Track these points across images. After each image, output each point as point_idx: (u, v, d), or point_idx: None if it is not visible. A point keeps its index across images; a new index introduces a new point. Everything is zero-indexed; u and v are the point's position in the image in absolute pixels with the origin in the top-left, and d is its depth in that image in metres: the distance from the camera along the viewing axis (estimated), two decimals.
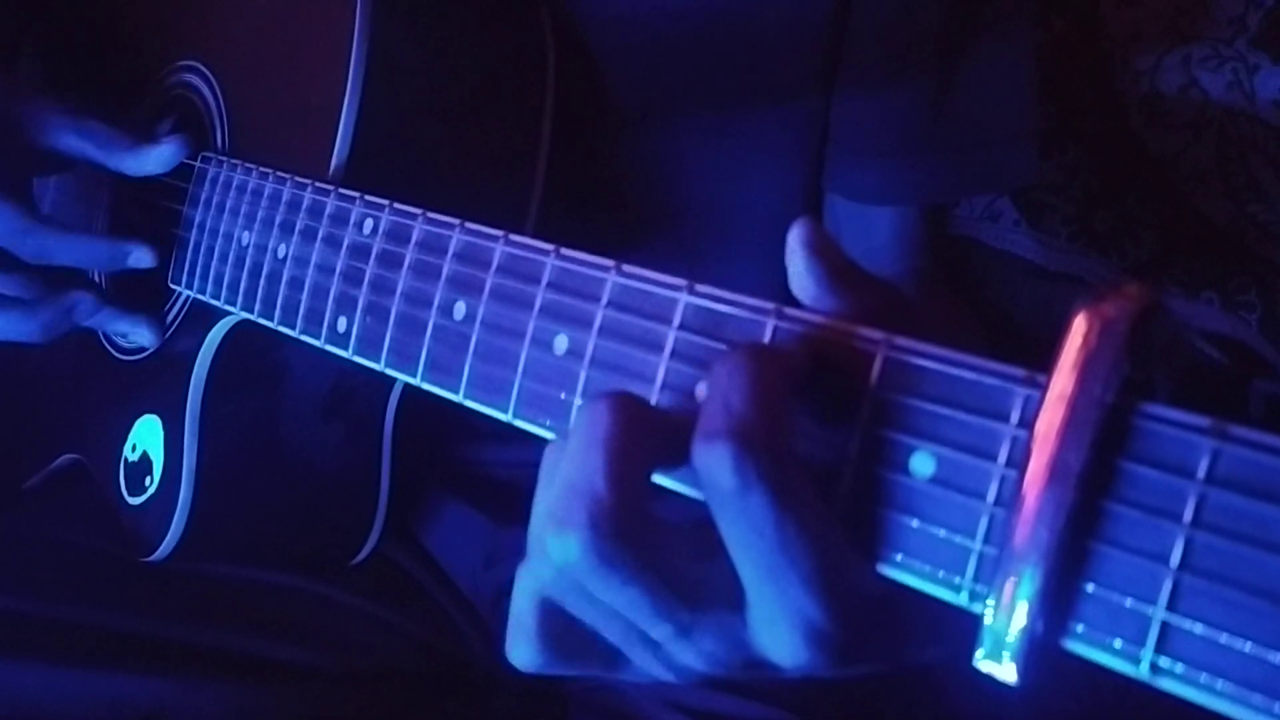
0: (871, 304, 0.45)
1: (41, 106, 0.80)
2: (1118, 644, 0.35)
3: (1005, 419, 0.38)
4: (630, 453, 0.41)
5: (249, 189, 0.74)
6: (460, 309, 0.56)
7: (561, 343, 0.51)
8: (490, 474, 0.96)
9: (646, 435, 0.42)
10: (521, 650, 0.47)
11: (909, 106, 0.84)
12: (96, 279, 0.91)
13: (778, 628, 0.42)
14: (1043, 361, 0.37)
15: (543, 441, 0.52)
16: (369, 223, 0.63)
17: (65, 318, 0.81)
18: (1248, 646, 0.33)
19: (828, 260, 0.45)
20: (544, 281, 0.52)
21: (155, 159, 0.80)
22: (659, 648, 0.46)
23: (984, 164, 0.86)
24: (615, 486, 0.41)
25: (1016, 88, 0.86)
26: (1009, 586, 0.36)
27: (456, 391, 0.56)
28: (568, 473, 0.42)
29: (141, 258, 0.81)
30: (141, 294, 0.84)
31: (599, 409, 0.42)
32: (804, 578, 0.40)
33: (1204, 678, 0.34)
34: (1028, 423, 0.37)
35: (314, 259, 0.67)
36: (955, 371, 0.40)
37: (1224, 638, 0.33)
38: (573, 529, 0.41)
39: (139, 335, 0.84)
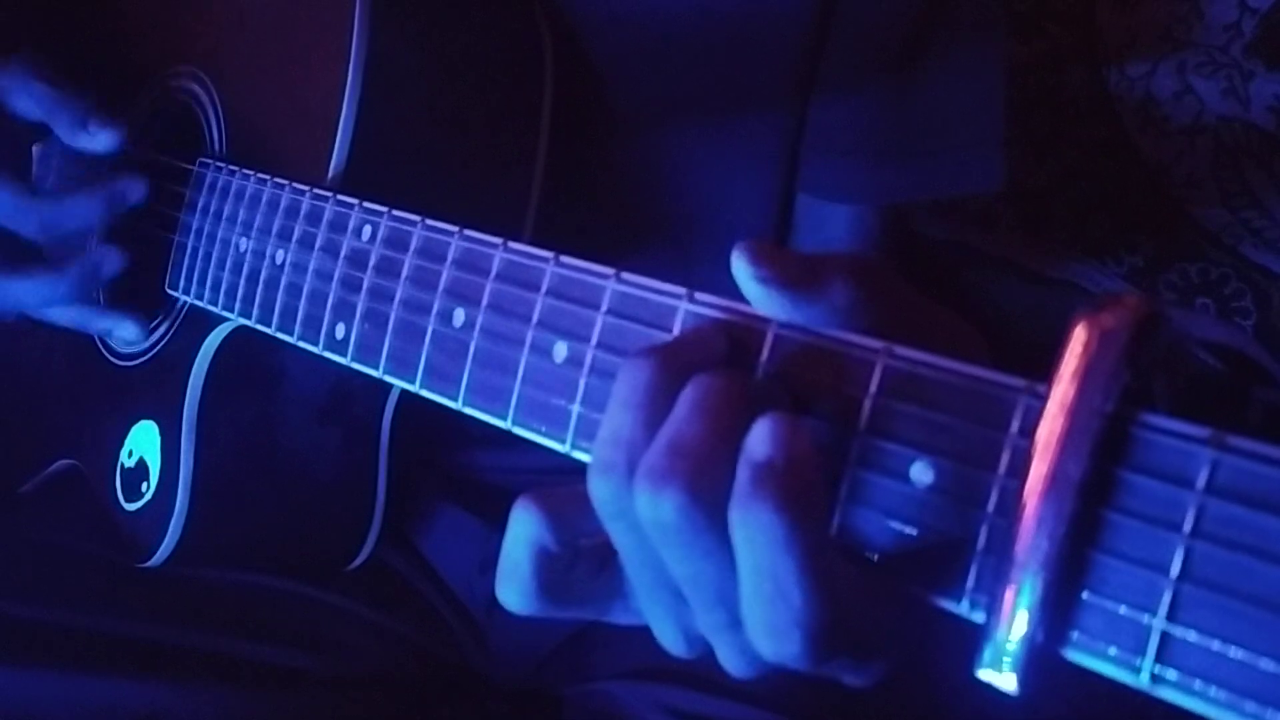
0: (848, 287, 0.45)
1: (6, 72, 0.80)
2: (1118, 653, 0.36)
3: (1005, 428, 0.38)
4: (735, 425, 0.41)
5: (247, 194, 0.74)
6: (459, 316, 0.56)
7: (561, 350, 0.51)
8: (486, 479, 0.96)
9: (748, 408, 0.42)
10: (513, 595, 0.47)
11: (877, 109, 0.85)
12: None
13: (769, 621, 0.42)
14: (1040, 367, 0.38)
15: (538, 447, 0.52)
16: (367, 229, 0.63)
17: (95, 272, 0.80)
18: (1248, 657, 0.33)
19: (784, 278, 0.45)
20: (543, 289, 0.52)
21: (97, 140, 0.80)
22: (685, 615, 0.46)
23: (946, 168, 0.87)
24: (722, 456, 0.41)
25: (984, 96, 0.87)
26: (1009, 595, 0.37)
27: (455, 399, 0.56)
28: (672, 432, 0.42)
29: (135, 189, 0.80)
30: (139, 299, 0.84)
31: (710, 378, 0.42)
32: (798, 576, 0.40)
33: (1204, 687, 0.34)
34: (1027, 432, 0.37)
35: (312, 265, 0.66)
36: (954, 380, 0.40)
37: (1224, 648, 0.33)
38: (674, 487, 0.41)
39: (124, 330, 0.83)
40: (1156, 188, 1.04)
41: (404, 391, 0.60)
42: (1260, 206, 1.01)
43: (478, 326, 0.55)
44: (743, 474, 0.40)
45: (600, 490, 0.44)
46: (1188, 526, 0.34)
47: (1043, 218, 1.05)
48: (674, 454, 0.41)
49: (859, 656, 0.43)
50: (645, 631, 0.49)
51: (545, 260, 0.52)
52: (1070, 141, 1.05)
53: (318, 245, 0.66)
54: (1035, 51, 1.04)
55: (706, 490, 0.41)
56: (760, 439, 0.40)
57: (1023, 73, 1.04)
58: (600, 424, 0.44)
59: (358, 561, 0.90)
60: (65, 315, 0.84)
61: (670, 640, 0.48)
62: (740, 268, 0.45)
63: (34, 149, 0.87)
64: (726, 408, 0.42)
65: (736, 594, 0.42)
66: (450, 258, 0.57)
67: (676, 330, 0.47)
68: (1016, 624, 0.36)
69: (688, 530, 0.41)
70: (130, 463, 0.84)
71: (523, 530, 0.46)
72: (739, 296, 0.46)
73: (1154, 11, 1.02)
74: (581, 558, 0.48)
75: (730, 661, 0.46)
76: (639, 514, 0.42)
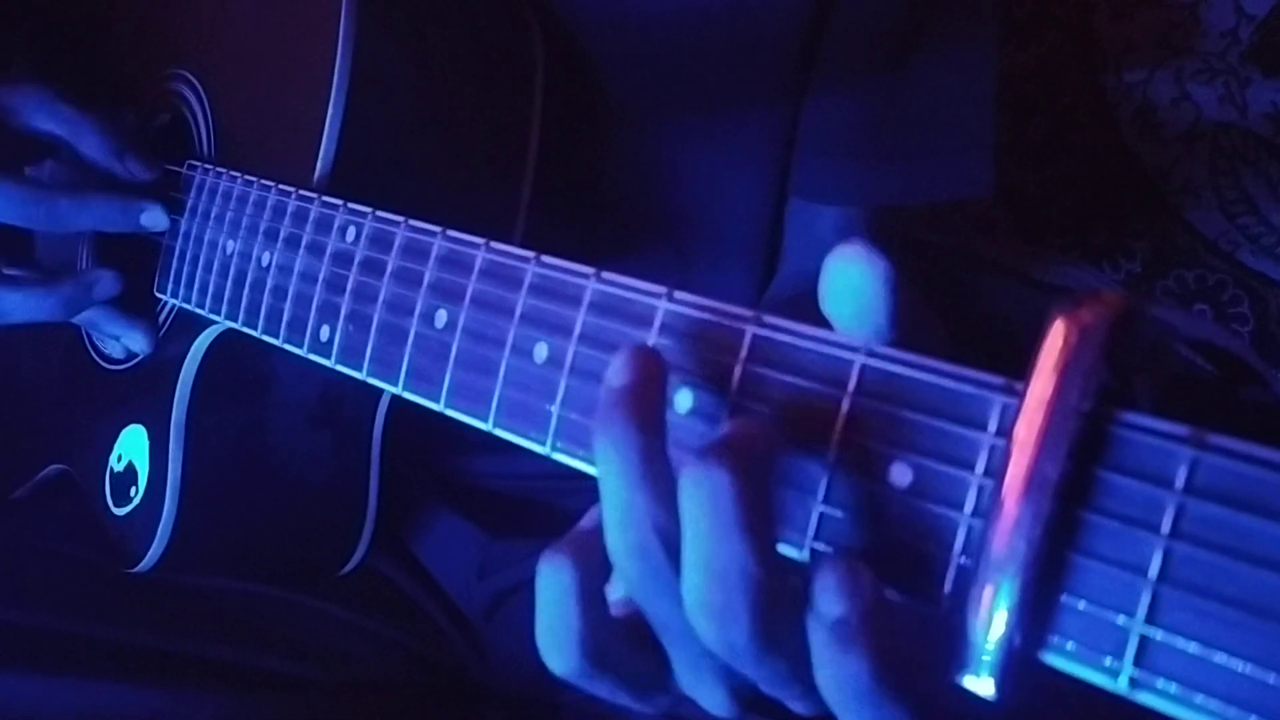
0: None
1: (20, 90, 0.80)
2: (1096, 657, 0.35)
3: (983, 428, 0.38)
4: (766, 525, 0.40)
5: (234, 196, 0.73)
6: (442, 317, 0.56)
7: (542, 351, 0.50)
8: (483, 484, 0.96)
9: (767, 499, 0.40)
10: (564, 655, 0.45)
11: (867, 112, 0.85)
12: None
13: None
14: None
15: (536, 454, 0.52)
16: (351, 230, 0.63)
17: (86, 293, 0.80)
18: (1227, 660, 0.32)
19: (906, 301, 0.42)
20: (524, 288, 0.52)
21: (129, 171, 0.80)
22: (738, 679, 0.44)
23: (933, 172, 0.87)
24: (768, 566, 0.39)
25: (974, 101, 0.86)
26: (986, 598, 0.36)
27: (437, 401, 0.56)
28: (709, 557, 0.39)
29: (156, 218, 0.79)
30: (128, 301, 0.84)
31: (722, 479, 0.39)
32: (891, 701, 0.39)
33: (1183, 692, 0.33)
34: (1005, 431, 0.37)
35: (297, 267, 0.66)
36: (933, 379, 0.39)
37: (1203, 651, 0.33)
38: (739, 619, 0.39)
39: (133, 340, 0.83)
40: (1154, 194, 1.03)
41: (395, 395, 0.59)
42: (1258, 213, 1.00)
43: (459, 327, 0.54)
44: (821, 636, 0.39)
45: (637, 573, 0.42)
46: (1166, 527, 0.34)
47: (1040, 224, 1.05)
48: (723, 584, 0.39)
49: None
50: None
51: (526, 260, 0.52)
52: (1068, 148, 1.05)
53: (303, 246, 0.66)
54: (1033, 58, 1.04)
55: (772, 611, 0.39)
56: (830, 595, 0.38)
57: (1021, 79, 1.04)
58: (604, 504, 0.42)
59: (349, 567, 0.90)
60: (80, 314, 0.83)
61: (719, 706, 0.46)
62: (860, 265, 0.42)
63: (28, 170, 0.86)
64: (752, 514, 0.39)
65: (810, 679, 0.40)
66: (433, 257, 0.57)
67: (656, 328, 0.47)
68: (994, 627, 0.36)
69: (758, 650, 0.40)
70: (119, 467, 0.84)
71: (559, 581, 0.44)
72: (733, 298, 0.46)
73: (1151, 19, 1.02)
74: (616, 633, 0.45)
75: (800, 709, 0.45)
76: (699, 635, 0.40)
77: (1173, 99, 1.01)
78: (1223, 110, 0.99)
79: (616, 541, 0.42)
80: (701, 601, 0.40)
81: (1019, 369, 0.38)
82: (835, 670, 0.38)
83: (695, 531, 0.40)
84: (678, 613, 0.42)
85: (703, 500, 0.39)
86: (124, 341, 0.84)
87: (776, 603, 0.39)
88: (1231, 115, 0.99)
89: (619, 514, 0.42)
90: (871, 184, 0.87)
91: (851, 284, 0.42)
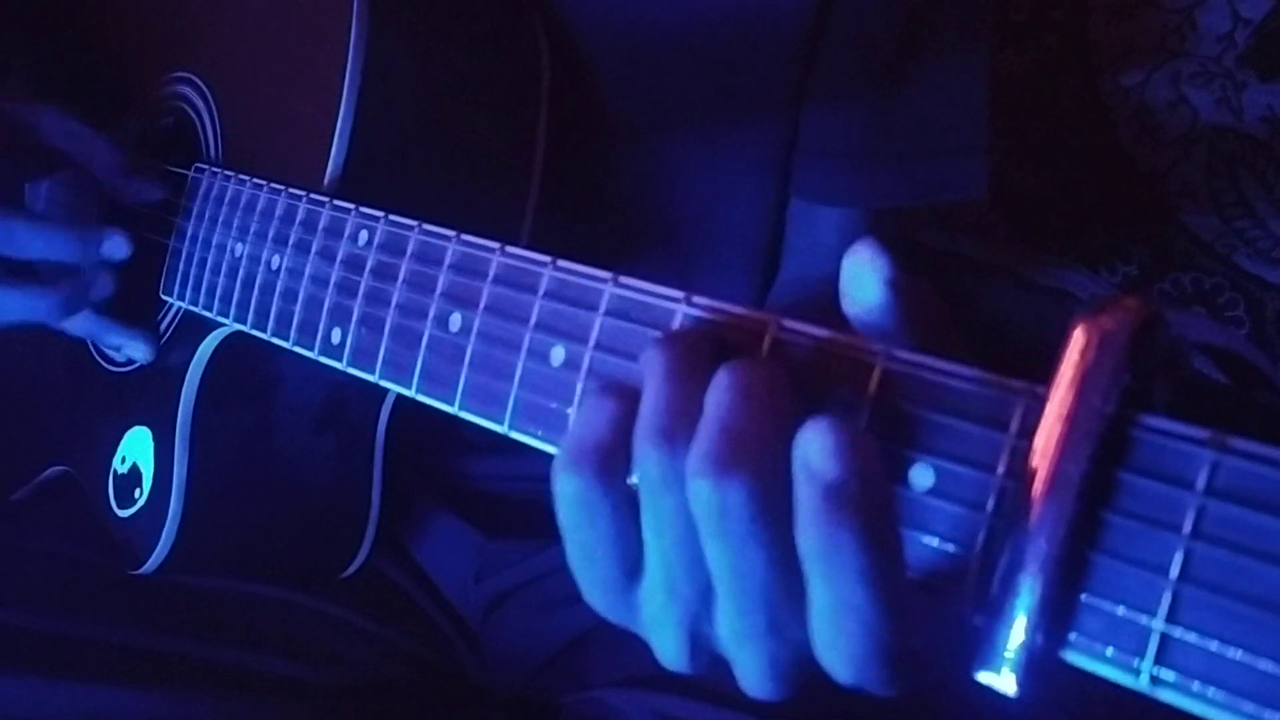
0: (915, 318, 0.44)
1: (38, 110, 0.80)
2: (1117, 655, 0.35)
3: (1005, 429, 0.38)
4: (787, 417, 0.41)
5: (243, 199, 0.73)
6: (456, 320, 0.56)
7: (558, 354, 0.51)
8: (481, 487, 0.96)
9: (791, 393, 0.41)
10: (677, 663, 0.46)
11: (865, 114, 0.86)
12: None
13: (851, 652, 0.40)
14: (1034, 376, 0.38)
15: (536, 454, 0.52)
16: (364, 234, 0.63)
17: (82, 295, 0.79)
18: (1248, 658, 0.33)
19: (907, 294, 0.43)
20: (540, 293, 0.52)
21: (137, 190, 0.81)
22: (701, 621, 0.44)
23: (928, 174, 0.87)
24: (778, 450, 0.40)
25: (969, 104, 0.87)
26: (1009, 598, 0.36)
27: (451, 403, 0.56)
28: (724, 418, 0.40)
29: (117, 246, 0.79)
30: (133, 304, 0.84)
31: (752, 365, 0.41)
32: (882, 609, 0.39)
33: (1203, 689, 0.34)
34: (1027, 433, 0.37)
35: (308, 270, 0.66)
36: (954, 383, 0.40)
37: (1224, 649, 0.33)
38: (740, 476, 0.39)
39: (134, 349, 0.83)
40: (1151, 197, 1.04)
41: (399, 398, 0.59)
42: (1254, 216, 1.01)
43: (474, 330, 0.55)
44: (808, 492, 0.39)
45: (652, 459, 0.42)
46: (1188, 528, 0.34)
47: (1038, 226, 1.06)
48: (733, 441, 0.40)
49: (920, 668, 0.42)
50: (642, 639, 0.48)
51: (543, 264, 0.52)
52: (1065, 151, 1.05)
53: (314, 250, 0.66)
54: (1030, 61, 1.05)
55: (770, 482, 0.40)
56: (824, 453, 0.38)
57: (1018, 82, 1.05)
58: (644, 397, 0.43)
59: (352, 569, 0.90)
60: (78, 325, 0.83)
61: (673, 649, 0.46)
62: (864, 264, 0.43)
63: (26, 187, 0.86)
64: (775, 397, 0.41)
65: (782, 596, 0.41)
66: (447, 262, 0.57)
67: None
68: (1016, 626, 0.36)
69: (748, 521, 0.40)
70: (123, 469, 0.84)
71: (676, 614, 0.44)
72: (737, 302, 0.46)
73: (1148, 22, 1.03)
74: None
75: (755, 675, 0.44)
76: (693, 500, 0.41)
77: (1169, 102, 1.01)
78: (1219, 113, 1.00)
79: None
80: (709, 454, 0.40)
81: (1018, 372, 0.39)
82: (827, 539, 0.38)
83: (721, 401, 0.41)
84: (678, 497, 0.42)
85: (737, 380, 0.41)
86: (125, 350, 0.84)
87: (775, 480, 0.40)
88: (1228, 118, 0.99)
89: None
90: (868, 185, 0.88)
91: (859, 284, 0.43)
